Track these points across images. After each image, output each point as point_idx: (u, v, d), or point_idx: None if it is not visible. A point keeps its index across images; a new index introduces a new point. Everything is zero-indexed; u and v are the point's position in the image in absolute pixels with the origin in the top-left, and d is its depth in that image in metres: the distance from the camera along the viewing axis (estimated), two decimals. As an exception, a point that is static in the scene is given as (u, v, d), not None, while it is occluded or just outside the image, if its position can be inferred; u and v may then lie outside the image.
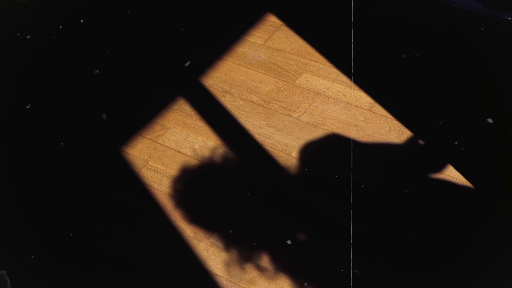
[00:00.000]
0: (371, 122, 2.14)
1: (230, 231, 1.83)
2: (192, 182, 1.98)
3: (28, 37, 2.56)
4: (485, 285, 1.67)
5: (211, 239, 1.81)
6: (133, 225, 1.87)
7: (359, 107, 2.19)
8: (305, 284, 1.69)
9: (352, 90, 2.25)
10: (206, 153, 2.03)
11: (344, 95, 2.24)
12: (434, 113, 2.15)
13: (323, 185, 1.94)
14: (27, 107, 2.26)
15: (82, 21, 2.62)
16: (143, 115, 2.21)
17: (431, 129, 2.10)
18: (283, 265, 1.74)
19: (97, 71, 2.40)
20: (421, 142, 2.06)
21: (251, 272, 1.73)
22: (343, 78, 2.30)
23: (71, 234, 1.86)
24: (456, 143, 2.04)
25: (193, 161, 2.03)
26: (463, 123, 2.11)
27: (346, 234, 1.81)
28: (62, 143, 2.13)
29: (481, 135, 2.06)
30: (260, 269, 1.73)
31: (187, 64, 2.40)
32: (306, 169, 1.98)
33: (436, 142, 2.05)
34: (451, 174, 1.95)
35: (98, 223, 1.88)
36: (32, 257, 1.80)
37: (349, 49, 2.43)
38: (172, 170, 2.02)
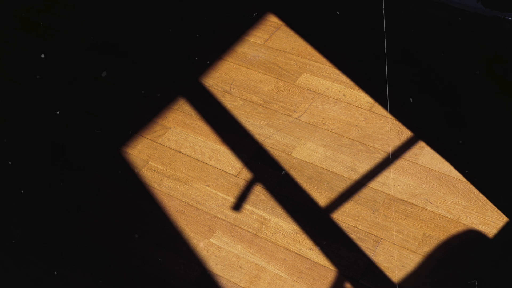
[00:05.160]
0: (371, 122, 2.14)
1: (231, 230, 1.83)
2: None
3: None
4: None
5: (211, 239, 1.81)
6: (132, 225, 1.87)
7: (359, 107, 2.19)
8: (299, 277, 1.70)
9: (352, 90, 2.25)
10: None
11: (344, 95, 2.24)
12: (434, 113, 2.15)
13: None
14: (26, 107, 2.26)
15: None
16: (143, 115, 2.21)
17: (432, 129, 2.10)
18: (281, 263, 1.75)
19: (96, 73, 2.40)
20: (421, 142, 2.06)
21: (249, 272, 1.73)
22: (343, 78, 2.30)
23: (68, 229, 1.86)
24: (460, 142, 2.04)
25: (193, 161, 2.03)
26: (463, 123, 2.11)
27: (346, 234, 1.81)
28: (62, 143, 2.13)
29: (482, 135, 2.06)
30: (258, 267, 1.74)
31: (185, 63, 2.40)
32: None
33: (437, 142, 2.05)
34: (451, 174, 1.95)
35: (97, 223, 1.88)
36: (30, 260, 1.80)
37: (349, 49, 2.43)
38: (172, 170, 2.02)
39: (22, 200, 1.96)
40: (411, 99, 2.15)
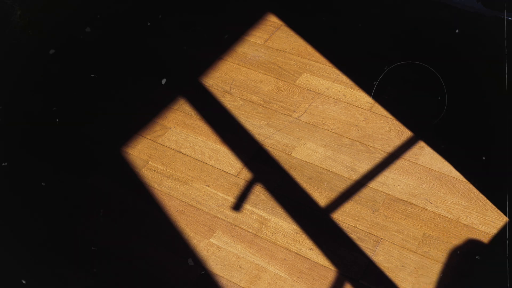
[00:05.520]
0: (371, 122, 2.13)
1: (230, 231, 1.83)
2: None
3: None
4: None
5: (211, 239, 1.81)
6: (133, 225, 1.87)
7: (359, 107, 2.19)
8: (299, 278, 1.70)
9: (352, 90, 2.25)
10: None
11: (344, 95, 2.24)
12: (434, 113, 2.15)
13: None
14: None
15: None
16: (143, 115, 2.21)
17: (432, 129, 2.10)
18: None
19: (97, 73, 2.40)
20: (421, 142, 2.06)
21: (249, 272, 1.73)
22: (343, 78, 2.30)
23: (68, 229, 1.86)
24: (484, 158, 2.04)
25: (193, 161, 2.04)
26: (464, 123, 2.11)
27: (346, 234, 1.81)
28: (62, 143, 2.13)
29: (483, 135, 2.06)
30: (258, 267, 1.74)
31: (185, 63, 2.40)
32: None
33: (437, 142, 2.06)
34: (451, 174, 1.95)
35: (97, 223, 1.88)
36: (29, 259, 1.80)
37: (349, 49, 2.43)
38: (172, 170, 2.02)
39: (22, 199, 1.96)
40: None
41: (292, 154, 2.04)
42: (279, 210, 1.88)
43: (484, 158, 1.98)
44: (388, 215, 1.85)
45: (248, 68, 2.37)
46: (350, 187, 1.93)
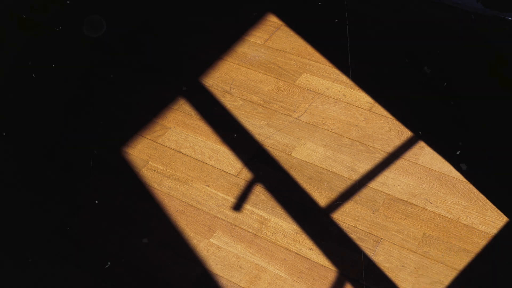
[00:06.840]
0: (371, 122, 2.14)
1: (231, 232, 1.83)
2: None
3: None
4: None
5: (211, 239, 1.81)
6: (132, 225, 1.87)
7: (359, 107, 2.19)
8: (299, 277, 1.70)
9: (352, 90, 2.25)
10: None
11: (344, 95, 2.24)
12: (434, 113, 2.15)
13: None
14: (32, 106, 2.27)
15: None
16: (143, 115, 2.21)
17: (432, 129, 2.10)
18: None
19: (97, 73, 2.40)
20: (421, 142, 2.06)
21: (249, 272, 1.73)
22: (343, 78, 2.30)
23: (68, 229, 1.86)
24: (460, 143, 2.04)
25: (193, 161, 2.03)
26: (464, 123, 2.11)
27: (346, 234, 1.81)
28: (62, 143, 2.14)
29: (483, 135, 2.06)
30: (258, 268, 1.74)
31: (185, 63, 2.40)
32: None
33: (437, 142, 2.05)
34: (451, 174, 1.95)
35: (97, 223, 1.88)
36: (30, 260, 1.80)
37: (349, 49, 2.43)
38: (172, 170, 2.02)
39: (22, 199, 1.96)
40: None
41: (292, 154, 2.04)
42: (279, 210, 1.88)
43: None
44: (388, 215, 1.85)
45: (248, 68, 2.37)
46: (350, 187, 1.93)
